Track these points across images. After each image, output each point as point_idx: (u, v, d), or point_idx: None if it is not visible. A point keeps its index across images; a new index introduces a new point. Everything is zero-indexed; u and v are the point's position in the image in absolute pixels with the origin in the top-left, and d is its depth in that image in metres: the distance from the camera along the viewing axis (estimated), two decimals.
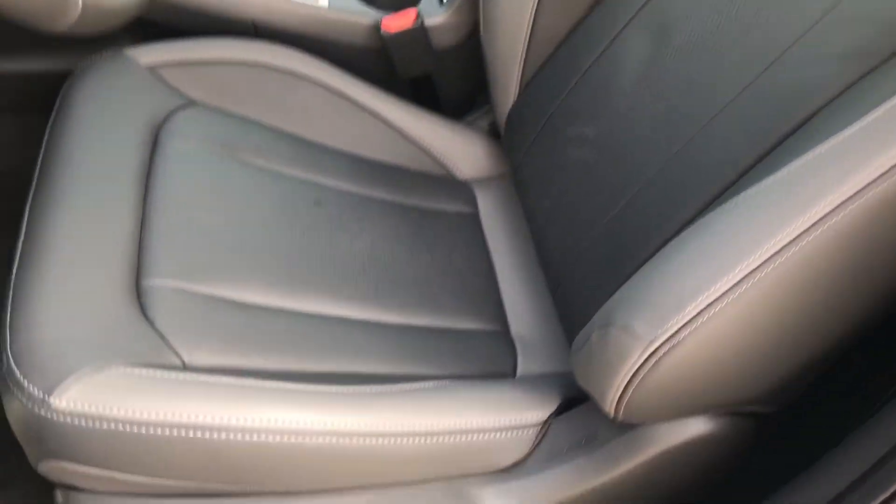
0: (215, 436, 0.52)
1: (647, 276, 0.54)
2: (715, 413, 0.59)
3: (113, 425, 0.51)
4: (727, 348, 0.51)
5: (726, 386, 0.55)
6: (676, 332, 0.49)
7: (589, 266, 0.67)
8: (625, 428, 0.60)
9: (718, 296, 0.48)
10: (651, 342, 0.49)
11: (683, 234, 0.54)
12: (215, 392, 0.54)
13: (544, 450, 0.64)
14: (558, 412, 0.65)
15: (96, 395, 0.51)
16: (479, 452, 0.62)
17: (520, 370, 0.70)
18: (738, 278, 0.47)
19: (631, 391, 0.52)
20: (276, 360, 0.62)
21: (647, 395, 0.52)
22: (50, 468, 0.54)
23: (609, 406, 0.54)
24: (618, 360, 0.51)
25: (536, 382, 0.68)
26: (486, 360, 0.70)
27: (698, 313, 0.48)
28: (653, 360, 0.50)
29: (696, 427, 0.58)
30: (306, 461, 0.56)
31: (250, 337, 0.62)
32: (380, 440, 0.57)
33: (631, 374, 0.51)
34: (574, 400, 0.66)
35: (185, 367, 0.57)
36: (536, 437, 0.64)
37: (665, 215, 0.60)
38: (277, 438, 0.53)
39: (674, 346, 0.49)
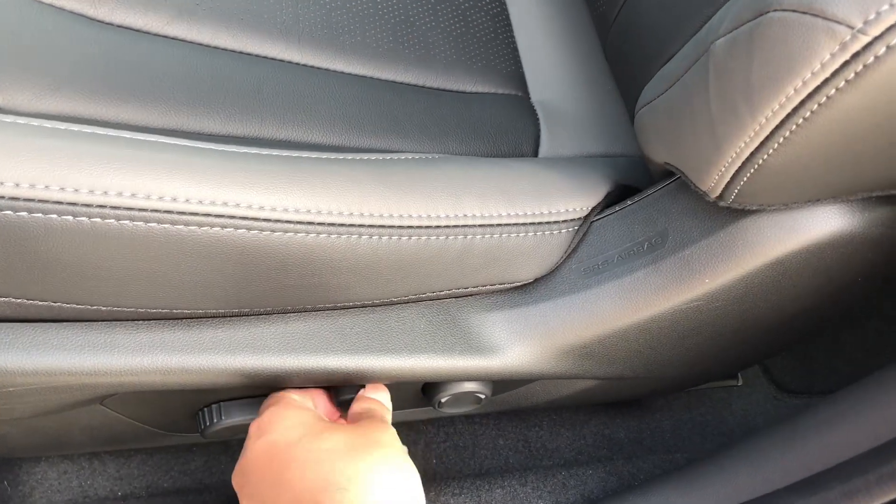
0: (27, 214, 0.29)
1: None
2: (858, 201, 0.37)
3: None
4: None
5: None
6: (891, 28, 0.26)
7: None
8: (713, 227, 0.39)
9: None
10: (859, 33, 0.27)
11: None
12: (42, 142, 0.31)
13: (583, 258, 0.42)
14: (603, 207, 0.43)
15: None
16: (486, 260, 0.40)
17: (543, 150, 0.47)
18: None
19: (779, 140, 0.31)
20: (154, 111, 0.38)
21: (803, 148, 0.31)
22: None
23: (716, 173, 0.33)
24: (785, 67, 0.29)
25: (571, 165, 0.45)
26: (495, 133, 0.47)
27: None
28: (850, 70, 0.27)
29: (831, 220, 0.37)
30: (202, 262, 0.33)
31: (113, 72, 0.38)
32: (329, 233, 0.34)
33: (800, 98, 0.29)
34: (625, 192, 0.44)
35: None
36: (571, 241, 0.42)
37: None
38: (148, 223, 0.31)
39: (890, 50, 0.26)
